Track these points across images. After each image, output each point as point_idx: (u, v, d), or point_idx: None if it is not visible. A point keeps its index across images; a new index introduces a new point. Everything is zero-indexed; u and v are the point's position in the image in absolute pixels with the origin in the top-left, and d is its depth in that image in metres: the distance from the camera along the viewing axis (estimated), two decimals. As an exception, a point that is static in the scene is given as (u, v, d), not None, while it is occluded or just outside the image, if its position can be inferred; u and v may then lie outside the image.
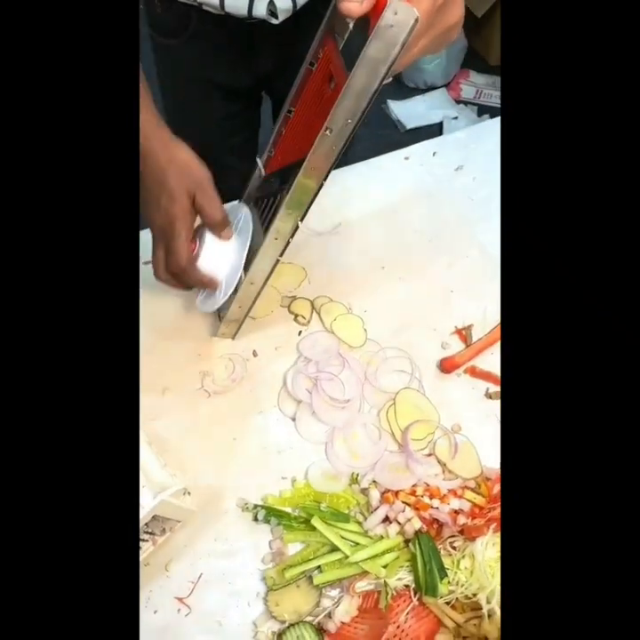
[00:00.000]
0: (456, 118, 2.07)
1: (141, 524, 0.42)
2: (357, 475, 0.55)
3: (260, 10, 0.68)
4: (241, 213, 0.59)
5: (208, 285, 0.56)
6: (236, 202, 0.64)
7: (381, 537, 0.50)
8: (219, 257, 0.56)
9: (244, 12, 0.68)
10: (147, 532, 0.47)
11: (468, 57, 2.21)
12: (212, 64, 0.80)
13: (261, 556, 0.51)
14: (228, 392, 0.62)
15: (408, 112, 2.16)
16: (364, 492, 0.53)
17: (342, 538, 0.50)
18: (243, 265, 0.55)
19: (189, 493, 0.55)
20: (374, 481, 0.54)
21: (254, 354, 0.64)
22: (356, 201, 0.77)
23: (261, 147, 0.60)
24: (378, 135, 2.11)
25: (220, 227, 0.55)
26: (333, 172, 0.83)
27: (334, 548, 0.50)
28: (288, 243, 0.53)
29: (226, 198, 0.78)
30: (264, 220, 0.56)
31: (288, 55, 0.78)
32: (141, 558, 0.49)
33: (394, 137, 2.12)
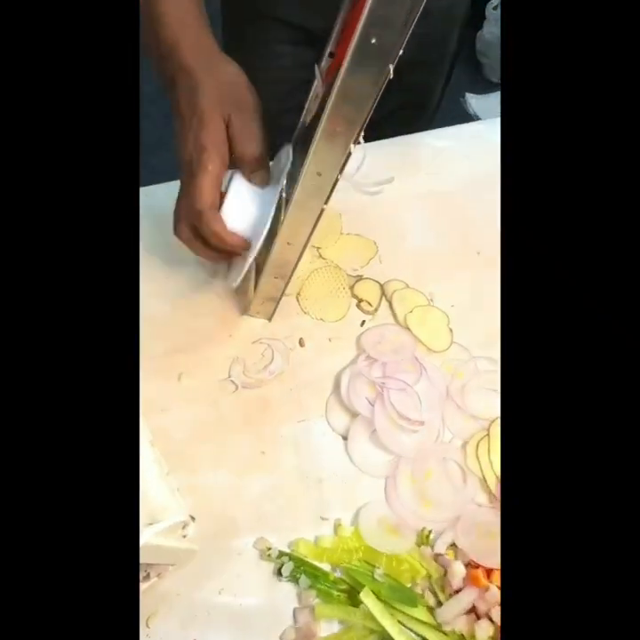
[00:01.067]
0: (542, 117, 1.87)
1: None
2: (430, 532, 0.38)
3: None
4: (283, 158, 0.42)
5: (230, 243, 0.40)
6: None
7: (463, 637, 0.33)
8: (246, 210, 0.40)
9: None
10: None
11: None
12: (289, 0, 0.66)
13: (281, 630, 0.36)
14: (261, 387, 0.47)
15: (487, 107, 1.98)
16: (439, 559, 0.37)
17: (402, 625, 0.34)
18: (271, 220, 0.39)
19: (194, 519, 0.40)
20: (455, 545, 0.37)
21: (301, 343, 0.49)
22: (450, 166, 0.61)
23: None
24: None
25: (253, 165, 0.40)
26: (424, 133, 0.68)
27: (389, 642, 0.33)
28: (335, 181, 0.36)
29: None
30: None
31: None
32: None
33: (469, 133, 1.93)
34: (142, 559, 0.29)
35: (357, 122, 0.31)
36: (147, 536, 0.27)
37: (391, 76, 0.30)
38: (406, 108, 0.79)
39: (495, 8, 1.99)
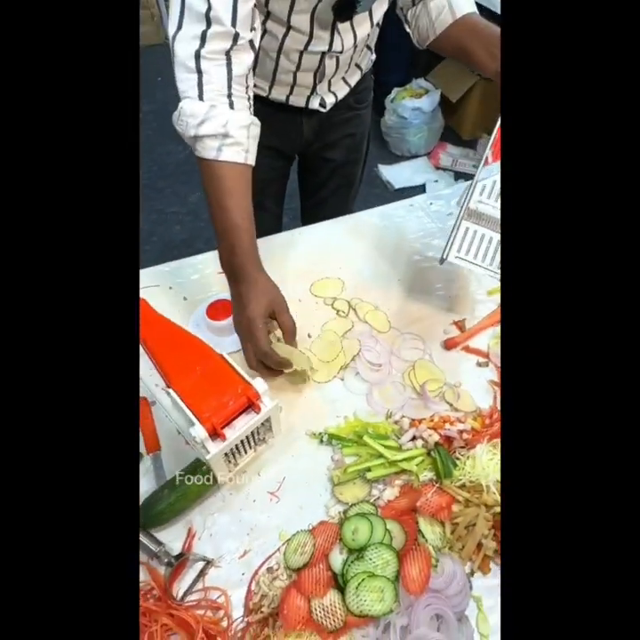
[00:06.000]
0: (437, 181, 2.45)
1: (264, 418, 0.64)
2: (391, 413, 0.78)
3: (314, 103, 0.98)
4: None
5: (286, 364, 0.72)
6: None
7: (411, 449, 0.73)
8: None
9: (302, 104, 0.98)
10: (254, 440, 0.69)
11: (446, 132, 2.64)
12: (268, 133, 1.08)
13: (327, 465, 0.73)
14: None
15: (396, 175, 2.54)
16: (397, 422, 0.76)
17: (385, 448, 0.72)
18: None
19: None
20: (403, 416, 0.77)
21: (309, 336, 0.88)
22: (376, 234, 1.05)
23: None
24: (371, 193, 2.47)
25: (293, 334, 0.75)
26: (355, 215, 1.12)
27: (379, 456, 0.72)
28: None
29: (261, 233, 1.04)
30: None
31: (322, 130, 1.08)
32: (246, 462, 0.70)
33: (384, 195, 2.48)
34: (273, 417, 0.66)
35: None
36: (278, 402, 0.64)
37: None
38: (341, 188, 1.25)
39: (392, 101, 2.60)
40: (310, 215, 1.29)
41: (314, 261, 1.00)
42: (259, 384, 0.63)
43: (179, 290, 0.96)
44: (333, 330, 0.89)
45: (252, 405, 0.62)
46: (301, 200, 1.34)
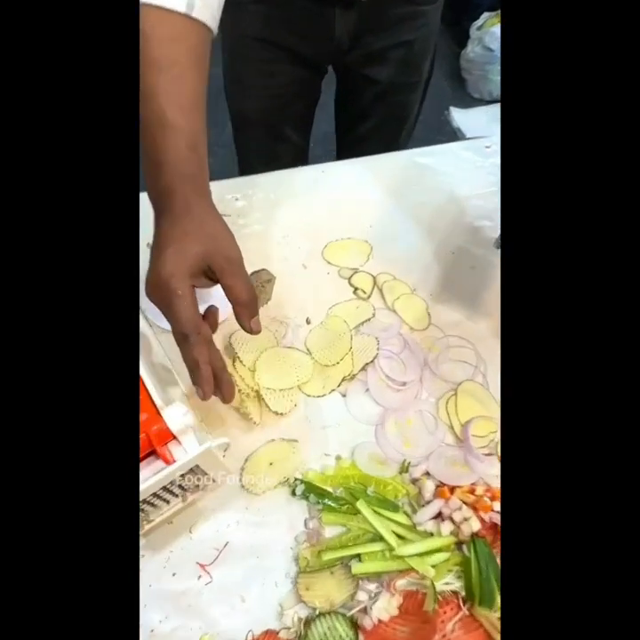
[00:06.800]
0: (519, 133, 2.01)
1: (182, 471, 0.38)
2: (408, 463, 0.50)
3: None
4: None
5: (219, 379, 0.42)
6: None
7: (431, 534, 0.45)
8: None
9: None
10: (180, 486, 0.43)
11: (540, 73, 2.16)
12: (285, 28, 0.74)
13: (295, 535, 0.47)
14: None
15: (469, 121, 2.10)
16: (416, 482, 0.48)
17: (388, 527, 0.45)
18: None
19: (225, 452, 0.51)
20: (428, 473, 0.49)
21: (308, 321, 0.60)
22: (431, 182, 0.73)
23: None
24: (437, 140, 2.07)
25: (251, 308, 0.42)
26: (407, 152, 0.79)
27: (377, 538, 0.45)
28: None
29: (277, 168, 0.74)
30: None
31: (364, 31, 0.74)
32: (168, 514, 0.45)
33: (451, 144, 2.07)
34: (203, 464, 0.40)
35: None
36: (211, 444, 0.38)
37: None
38: (390, 122, 0.91)
39: (479, 28, 2.13)
40: (348, 157, 0.96)
41: (334, 213, 0.70)
42: (175, 415, 0.36)
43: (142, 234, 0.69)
44: (343, 317, 0.60)
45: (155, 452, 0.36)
46: (337, 135, 1.00)
